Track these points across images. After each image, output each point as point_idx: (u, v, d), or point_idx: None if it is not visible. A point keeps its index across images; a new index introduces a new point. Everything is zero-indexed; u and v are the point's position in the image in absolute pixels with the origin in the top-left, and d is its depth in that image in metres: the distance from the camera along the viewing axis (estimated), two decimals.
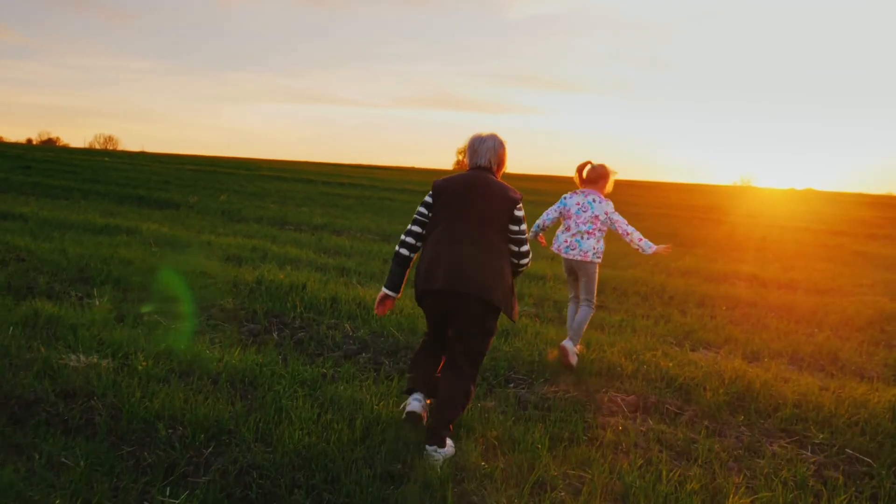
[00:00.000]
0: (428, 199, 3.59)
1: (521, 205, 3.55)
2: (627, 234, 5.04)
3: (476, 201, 3.46)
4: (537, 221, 5.28)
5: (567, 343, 4.93)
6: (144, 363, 4.20)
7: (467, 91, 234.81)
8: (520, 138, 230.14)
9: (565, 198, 5.17)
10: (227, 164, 55.17)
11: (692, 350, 5.75)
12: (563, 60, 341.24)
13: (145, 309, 5.60)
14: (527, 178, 69.67)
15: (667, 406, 4.30)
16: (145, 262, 7.52)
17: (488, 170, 3.61)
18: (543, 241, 5.38)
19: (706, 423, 4.10)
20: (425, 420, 3.59)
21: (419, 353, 3.80)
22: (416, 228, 3.60)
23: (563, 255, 5.12)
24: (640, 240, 5.04)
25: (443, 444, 3.31)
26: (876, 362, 5.74)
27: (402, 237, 3.63)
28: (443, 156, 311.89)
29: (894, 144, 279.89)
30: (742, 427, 4.11)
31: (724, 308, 7.61)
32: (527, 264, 3.65)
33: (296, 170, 48.92)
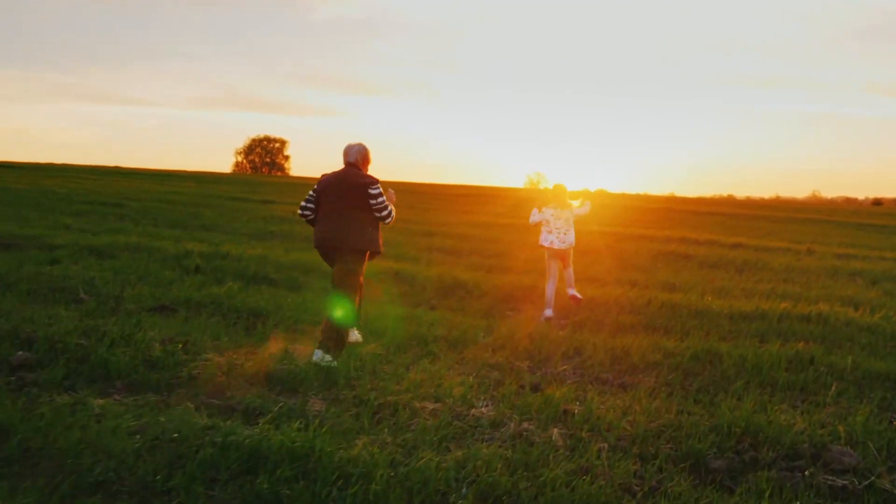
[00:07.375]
0: (316, 186, 5.52)
1: (376, 185, 5.38)
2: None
3: (345, 185, 5.39)
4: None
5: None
6: None
7: (264, 92, 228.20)
8: (318, 141, 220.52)
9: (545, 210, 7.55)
10: None
11: None
12: (364, 63, 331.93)
13: None
14: None
15: None
16: None
17: (355, 165, 5.55)
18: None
19: None
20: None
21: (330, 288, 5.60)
22: (308, 204, 5.56)
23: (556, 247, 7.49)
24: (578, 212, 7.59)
25: (329, 352, 4.99)
26: None
27: (301, 210, 5.59)
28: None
29: (669, 145, 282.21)
30: None
31: None
32: (390, 219, 5.49)
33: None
